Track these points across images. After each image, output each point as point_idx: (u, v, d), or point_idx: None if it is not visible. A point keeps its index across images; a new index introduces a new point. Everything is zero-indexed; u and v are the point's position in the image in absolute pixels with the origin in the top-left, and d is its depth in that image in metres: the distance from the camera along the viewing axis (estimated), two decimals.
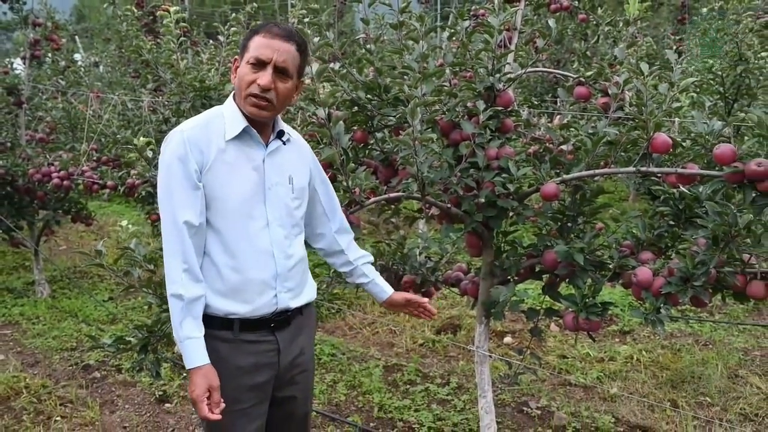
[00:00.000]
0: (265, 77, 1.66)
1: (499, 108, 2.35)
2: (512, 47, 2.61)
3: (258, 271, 1.74)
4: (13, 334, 4.56)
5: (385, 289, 2.07)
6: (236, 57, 1.77)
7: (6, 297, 5.31)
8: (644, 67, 2.02)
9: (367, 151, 2.64)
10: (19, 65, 5.95)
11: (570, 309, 2.25)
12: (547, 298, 2.48)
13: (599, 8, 4.90)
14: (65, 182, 4.61)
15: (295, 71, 1.73)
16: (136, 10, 4.91)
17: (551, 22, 2.38)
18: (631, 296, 4.79)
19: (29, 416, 3.35)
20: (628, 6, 2.44)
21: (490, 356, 2.72)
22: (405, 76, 2.29)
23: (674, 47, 7.46)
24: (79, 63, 7.96)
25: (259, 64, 1.68)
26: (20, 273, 6.07)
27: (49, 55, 5.62)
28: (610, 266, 2.26)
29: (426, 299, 2.08)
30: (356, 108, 2.48)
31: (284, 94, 1.72)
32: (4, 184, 4.92)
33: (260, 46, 1.68)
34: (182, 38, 3.47)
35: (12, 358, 4.13)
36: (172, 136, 1.71)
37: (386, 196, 2.42)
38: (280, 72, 1.69)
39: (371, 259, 2.10)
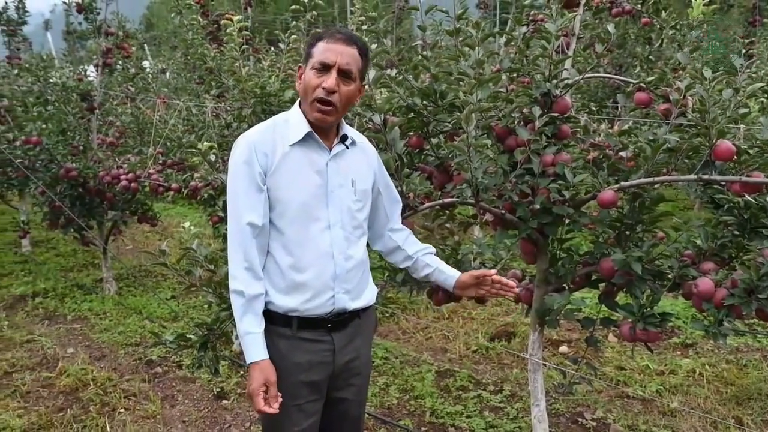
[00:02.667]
0: (330, 80, 1.72)
1: (556, 114, 2.33)
2: (570, 53, 2.57)
3: (317, 271, 1.78)
4: (82, 329, 4.78)
5: (451, 274, 2.02)
6: (300, 65, 1.83)
7: (76, 293, 5.58)
8: (707, 72, 1.96)
9: (422, 157, 2.65)
10: (92, 72, 6.24)
11: (627, 319, 2.21)
12: (605, 307, 2.43)
13: (664, 11, 4.77)
14: (133, 184, 4.80)
15: (358, 74, 1.78)
16: (201, 19, 5.08)
17: (611, 27, 2.34)
18: (695, 308, 4.64)
19: (95, 407, 3.51)
20: (692, 9, 2.37)
21: (544, 364, 2.69)
22: (461, 83, 2.30)
23: (743, 51, 7.18)
24: (148, 70, 8.29)
25: (324, 68, 1.73)
26: (90, 270, 6.37)
27: (120, 62, 5.88)
28: (670, 276, 2.20)
29: (494, 270, 1.97)
30: (412, 114, 2.50)
31: (347, 97, 1.76)
32: (77, 185, 5.18)
33: (324, 50, 1.73)
34: (244, 46, 3.57)
35: (81, 351, 4.33)
36: (240, 141, 1.79)
37: (440, 201, 2.43)
38: (344, 75, 1.74)
39: (433, 250, 2.09)
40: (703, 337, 4.31)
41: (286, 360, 1.81)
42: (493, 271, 1.97)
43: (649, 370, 3.92)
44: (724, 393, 3.63)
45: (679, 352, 4.23)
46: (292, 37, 3.89)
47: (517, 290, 2.00)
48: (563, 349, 4.29)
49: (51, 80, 5.63)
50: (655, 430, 3.22)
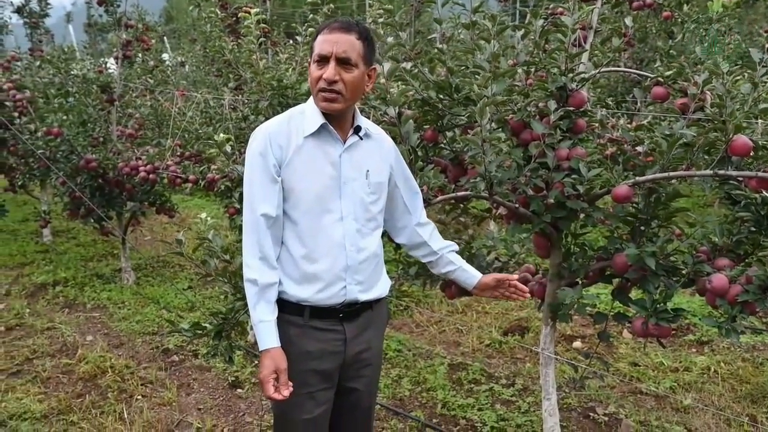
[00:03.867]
0: (328, 71, 1.72)
1: (571, 108, 2.32)
2: (587, 46, 2.56)
3: (329, 262, 1.80)
4: (101, 317, 4.86)
5: (474, 274, 2.08)
6: (309, 61, 1.84)
7: (96, 282, 5.67)
8: (723, 66, 1.94)
9: (437, 150, 2.66)
10: (112, 65, 6.32)
11: (640, 314, 2.20)
12: (619, 303, 2.43)
13: (686, 5, 4.72)
14: (151, 176, 4.86)
15: (360, 59, 1.76)
16: (219, 12, 5.12)
17: (628, 21, 2.33)
18: (708, 304, 4.59)
19: (113, 394, 3.57)
20: (712, 3, 2.35)
21: (556, 358, 2.69)
22: (476, 76, 2.30)
23: (766, 45, 7.06)
24: (167, 63, 8.36)
25: (323, 60, 1.74)
26: (108, 260, 6.45)
27: (140, 55, 5.94)
28: (684, 272, 2.19)
29: (515, 276, 2.05)
30: (427, 107, 2.50)
31: (352, 84, 1.76)
32: (97, 176, 5.24)
33: (321, 42, 1.75)
34: (262, 39, 3.59)
35: (99, 339, 4.40)
36: (257, 132, 1.82)
37: (454, 194, 2.44)
38: (343, 63, 1.73)
39: (456, 247, 2.12)
40: (720, 334, 4.27)
41: (298, 348, 1.83)
42: (515, 276, 2.04)
43: (663, 366, 3.90)
44: (739, 391, 3.60)
45: (694, 350, 4.20)
46: (310, 30, 3.91)
47: (528, 295, 2.08)
48: (577, 344, 4.28)
49: (72, 72, 5.70)
50: (667, 426, 3.21)
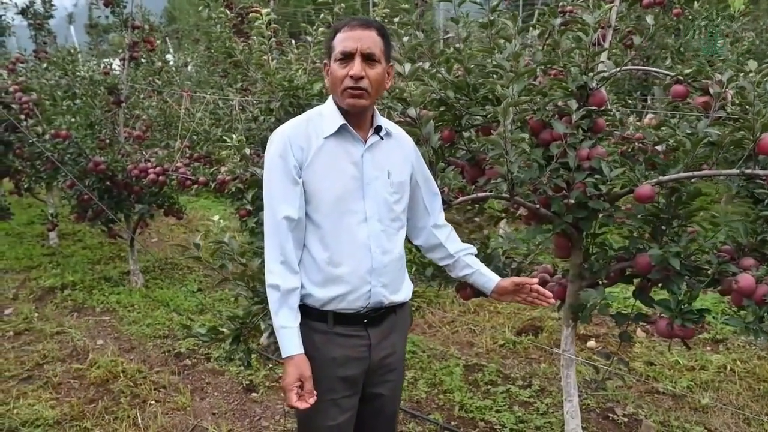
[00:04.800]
0: (355, 67, 1.70)
1: (592, 107, 2.29)
2: (606, 45, 2.54)
3: (353, 265, 1.77)
4: (110, 321, 4.84)
5: (491, 277, 2.02)
6: (325, 61, 1.82)
7: (104, 285, 5.64)
8: (751, 64, 1.92)
9: (453, 151, 2.63)
10: (116, 66, 6.29)
11: (663, 315, 2.18)
12: (637, 302, 2.40)
13: (696, 2, 4.68)
14: (161, 178, 4.83)
15: (382, 55, 1.75)
16: (228, 13, 5.08)
17: (649, 19, 2.30)
18: (725, 303, 4.56)
19: (126, 399, 3.55)
20: (734, 0, 2.32)
21: (577, 360, 2.67)
22: (494, 76, 2.28)
23: None
24: (171, 63, 8.33)
25: (347, 57, 1.72)
26: (116, 263, 6.43)
27: (144, 56, 5.91)
28: (708, 272, 2.17)
29: (535, 280, 1.98)
30: (444, 107, 2.48)
31: (377, 80, 1.74)
32: (105, 178, 5.22)
33: (343, 40, 1.72)
34: (272, 39, 3.56)
35: (110, 343, 4.38)
36: (275, 135, 1.79)
37: (474, 195, 2.41)
38: (367, 58, 1.72)
39: (474, 250, 2.08)
40: (734, 332, 4.25)
41: (322, 355, 1.80)
42: (535, 280, 1.98)
43: (679, 365, 3.88)
44: (757, 389, 3.57)
45: (709, 348, 4.18)
46: (320, 29, 3.88)
47: (552, 301, 2.01)
48: (591, 344, 4.26)
49: (78, 74, 5.68)
50: (687, 426, 3.18)
